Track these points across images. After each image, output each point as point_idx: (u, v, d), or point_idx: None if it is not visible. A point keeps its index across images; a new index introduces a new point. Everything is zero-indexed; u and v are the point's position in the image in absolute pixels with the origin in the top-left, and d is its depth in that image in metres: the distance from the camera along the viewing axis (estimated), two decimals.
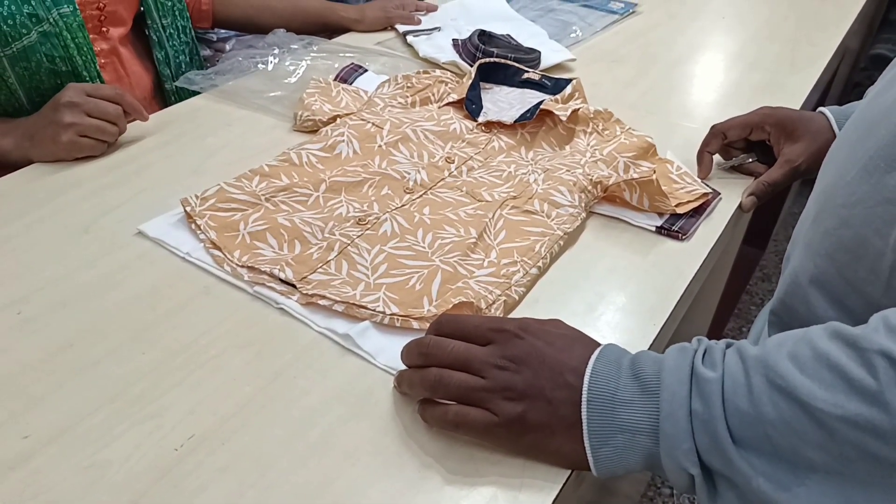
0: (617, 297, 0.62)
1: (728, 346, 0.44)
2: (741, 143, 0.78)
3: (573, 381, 0.45)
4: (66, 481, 0.45)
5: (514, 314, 0.59)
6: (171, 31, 1.03)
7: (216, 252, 0.63)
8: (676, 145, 0.82)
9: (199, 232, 0.65)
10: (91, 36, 0.89)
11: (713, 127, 0.77)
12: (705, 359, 0.43)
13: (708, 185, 0.74)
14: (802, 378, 0.38)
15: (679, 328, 0.66)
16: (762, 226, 1.96)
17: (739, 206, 0.74)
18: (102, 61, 0.92)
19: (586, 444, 0.44)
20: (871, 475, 0.38)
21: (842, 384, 0.37)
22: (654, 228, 0.69)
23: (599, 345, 0.48)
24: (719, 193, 0.74)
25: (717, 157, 0.79)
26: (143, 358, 0.53)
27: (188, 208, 0.67)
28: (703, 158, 0.77)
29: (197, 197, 0.68)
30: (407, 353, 0.50)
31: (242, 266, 0.62)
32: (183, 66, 1.05)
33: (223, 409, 0.50)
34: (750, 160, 0.77)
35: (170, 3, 1.01)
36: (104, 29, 0.92)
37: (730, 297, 1.93)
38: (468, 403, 0.46)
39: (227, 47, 2.20)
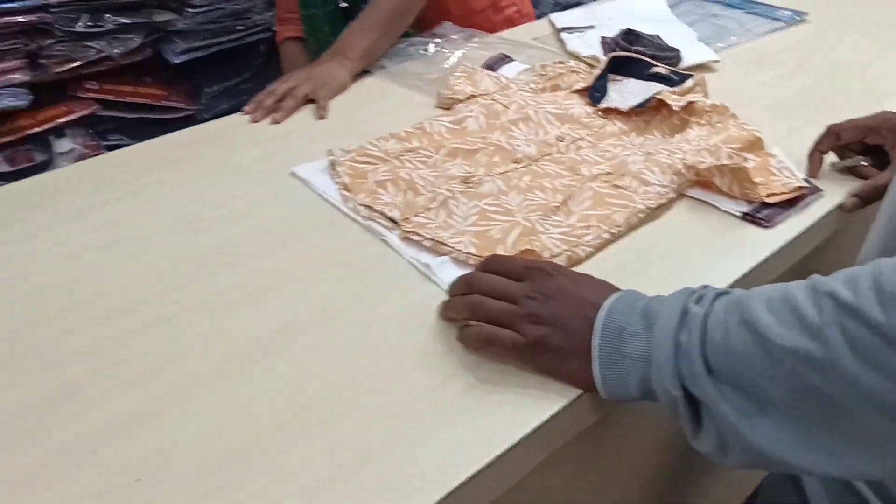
0: (682, 275, 0.65)
1: (727, 292, 0.48)
2: (857, 145, 0.77)
3: (590, 314, 0.52)
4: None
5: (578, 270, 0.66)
6: None
7: (345, 192, 0.77)
8: (797, 146, 0.82)
9: (335, 177, 0.80)
10: None
11: (829, 127, 0.77)
12: (699, 299, 0.48)
13: (810, 182, 0.75)
14: (767, 315, 0.43)
15: None
16: None
17: (840, 206, 0.73)
18: None
19: (594, 368, 0.51)
20: (821, 413, 0.41)
21: (794, 320, 0.41)
22: (740, 214, 0.72)
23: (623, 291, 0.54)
24: (821, 190, 0.74)
25: (830, 157, 0.78)
26: (272, 260, 0.68)
27: (332, 158, 0.81)
28: (813, 157, 0.77)
29: (342, 150, 0.82)
30: (456, 285, 0.60)
31: (361, 205, 0.75)
32: None
33: (320, 303, 0.63)
34: (863, 163, 0.76)
35: None
36: None
37: None
38: (500, 326, 0.55)
39: None
